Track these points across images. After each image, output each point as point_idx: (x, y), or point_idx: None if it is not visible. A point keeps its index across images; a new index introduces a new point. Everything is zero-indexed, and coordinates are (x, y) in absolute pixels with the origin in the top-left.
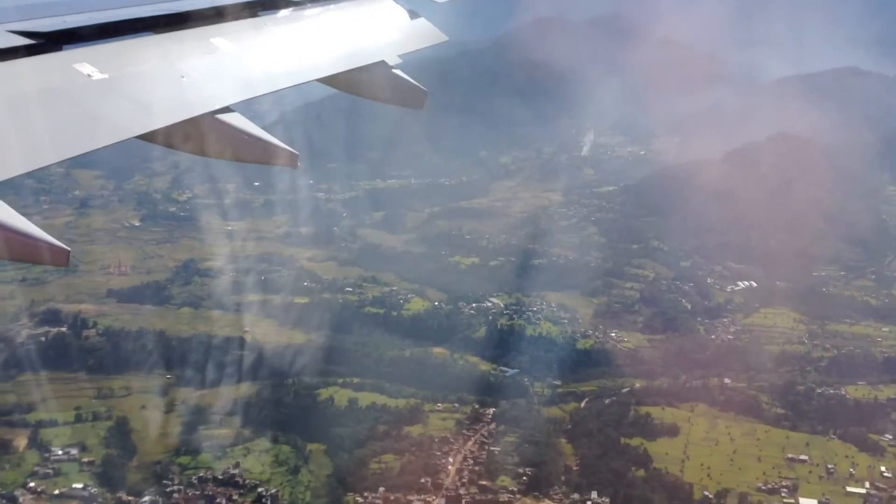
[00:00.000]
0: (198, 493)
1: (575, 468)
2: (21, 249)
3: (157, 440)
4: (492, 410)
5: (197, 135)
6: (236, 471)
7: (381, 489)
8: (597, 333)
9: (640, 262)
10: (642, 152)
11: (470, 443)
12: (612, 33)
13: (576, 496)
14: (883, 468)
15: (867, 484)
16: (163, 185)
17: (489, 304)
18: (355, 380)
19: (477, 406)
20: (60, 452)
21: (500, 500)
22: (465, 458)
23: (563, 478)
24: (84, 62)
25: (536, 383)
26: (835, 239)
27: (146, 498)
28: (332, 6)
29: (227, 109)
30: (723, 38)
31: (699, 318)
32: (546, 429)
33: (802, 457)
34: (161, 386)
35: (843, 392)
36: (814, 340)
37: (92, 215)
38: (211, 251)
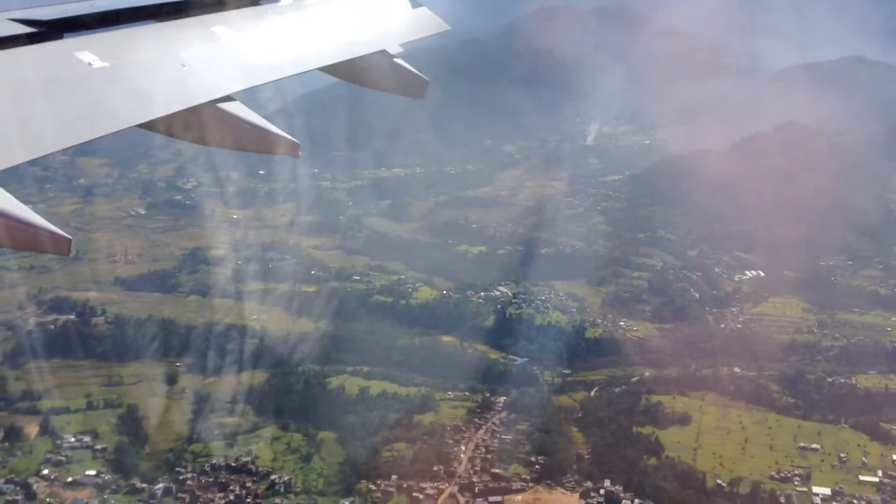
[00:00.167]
0: (211, 480)
1: (587, 457)
2: (22, 238)
3: (168, 428)
4: (502, 399)
5: (198, 124)
6: (248, 458)
7: (394, 477)
8: (605, 322)
9: (648, 252)
10: (647, 142)
11: (481, 431)
12: (617, 22)
13: (588, 484)
14: (895, 457)
15: (880, 472)
16: (167, 174)
17: (497, 293)
18: (365, 368)
19: (487, 395)
20: (73, 440)
21: (513, 487)
22: (476, 447)
23: (574, 466)
24: (85, 50)
25: (546, 372)
26: (842, 228)
27: (160, 485)
28: None
29: (228, 98)
30: (728, 27)
31: (708, 308)
32: (557, 417)
33: (814, 445)
34: (171, 374)
35: (854, 381)
36: (823, 330)
37: (97, 203)
38: (217, 240)
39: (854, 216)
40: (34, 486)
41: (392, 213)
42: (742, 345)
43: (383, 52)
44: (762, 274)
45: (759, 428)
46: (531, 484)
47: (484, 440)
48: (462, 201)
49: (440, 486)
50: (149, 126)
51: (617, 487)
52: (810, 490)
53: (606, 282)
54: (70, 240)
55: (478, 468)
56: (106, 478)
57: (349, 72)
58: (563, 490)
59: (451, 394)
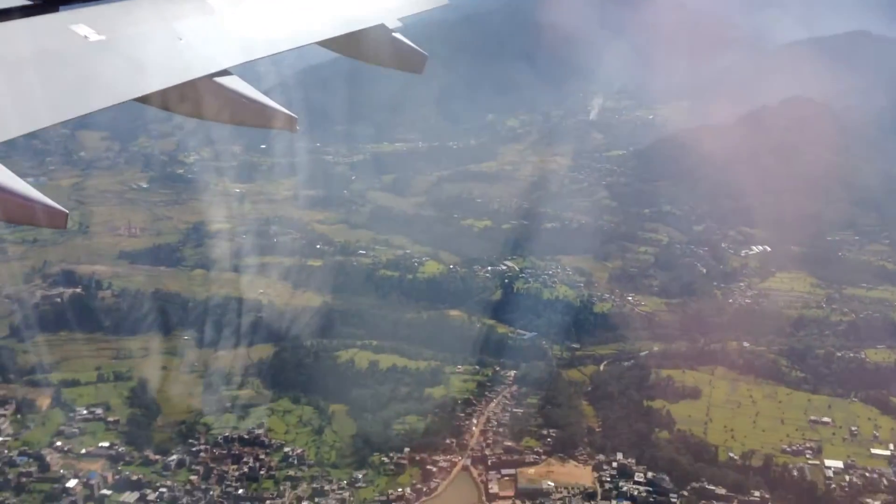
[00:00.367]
0: (224, 452)
1: (598, 430)
2: (18, 211)
3: (179, 401)
4: (512, 373)
5: (194, 97)
6: (261, 431)
7: (407, 450)
8: (613, 297)
9: (653, 227)
10: (650, 117)
11: (492, 404)
12: None
13: (601, 457)
14: None
15: (891, 446)
16: (168, 148)
17: (504, 268)
18: (374, 342)
19: (497, 368)
20: (85, 412)
21: (526, 460)
22: (488, 420)
23: (586, 439)
24: (81, 23)
25: (555, 346)
26: (848, 203)
27: (173, 457)
28: None
29: (224, 72)
30: (733, 1)
31: (715, 282)
32: (567, 391)
33: (825, 419)
34: (179, 347)
35: (863, 356)
36: (831, 305)
37: (98, 177)
38: (221, 213)
39: (860, 191)
40: (48, 458)
41: (395, 187)
42: (750, 319)
43: (381, 27)
44: (768, 249)
45: (770, 402)
46: (544, 457)
47: (495, 413)
48: (465, 176)
49: (453, 459)
50: (145, 100)
51: (630, 460)
52: (822, 463)
53: (612, 257)
54: (66, 213)
55: (490, 441)
56: (119, 449)
57: (347, 46)
58: (575, 463)
59: (460, 368)
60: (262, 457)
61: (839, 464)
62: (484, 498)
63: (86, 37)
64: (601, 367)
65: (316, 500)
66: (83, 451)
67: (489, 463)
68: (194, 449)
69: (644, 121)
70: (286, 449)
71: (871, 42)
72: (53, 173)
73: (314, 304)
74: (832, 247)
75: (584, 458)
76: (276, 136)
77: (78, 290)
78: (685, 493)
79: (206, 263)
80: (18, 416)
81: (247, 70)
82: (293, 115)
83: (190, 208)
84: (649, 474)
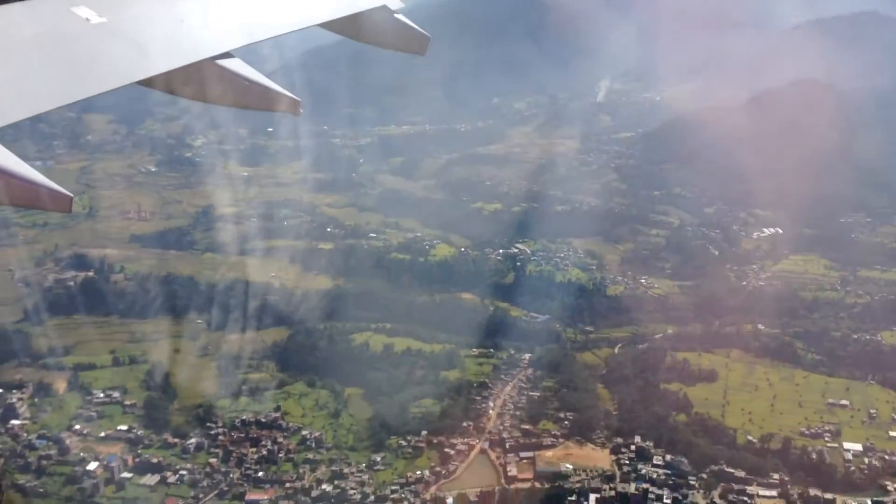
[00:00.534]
0: (242, 435)
1: (615, 413)
2: (22, 195)
3: (195, 384)
4: (527, 356)
5: (197, 80)
6: (277, 414)
7: (424, 433)
8: (626, 280)
9: (664, 209)
10: (658, 98)
11: (508, 387)
12: None
13: (619, 440)
14: None
15: None
16: (175, 131)
17: (516, 251)
18: (387, 325)
19: (512, 352)
20: (102, 395)
21: (544, 443)
22: (504, 403)
23: (603, 422)
24: (82, 5)
25: (568, 329)
26: (859, 185)
27: (192, 440)
28: None
29: (227, 55)
30: None
31: (728, 265)
32: (582, 374)
33: (843, 402)
34: (192, 331)
35: (879, 338)
36: (846, 287)
37: (106, 160)
38: (230, 197)
39: (871, 173)
40: (67, 441)
41: (404, 170)
42: (765, 302)
43: (384, 8)
44: (780, 231)
45: (787, 385)
46: (561, 440)
47: (511, 396)
48: (474, 158)
49: (470, 442)
50: (148, 83)
51: (648, 443)
52: (841, 446)
53: (624, 239)
54: (71, 197)
55: (507, 424)
56: (138, 433)
57: (349, 28)
58: (593, 446)
59: (475, 351)
60: (280, 440)
61: (858, 447)
62: (503, 480)
63: (87, 19)
64: (616, 350)
65: (335, 482)
66: (102, 434)
67: (507, 446)
68: (212, 432)
69: (652, 103)
70: (304, 432)
71: (879, 22)
72: (61, 157)
73: (326, 287)
74: (845, 229)
75: (602, 441)
76: (282, 120)
77: (90, 273)
78: (704, 476)
79: (217, 247)
80: (35, 399)
81: (249, 52)
82: (296, 98)
83: (199, 192)
84: (667, 457)
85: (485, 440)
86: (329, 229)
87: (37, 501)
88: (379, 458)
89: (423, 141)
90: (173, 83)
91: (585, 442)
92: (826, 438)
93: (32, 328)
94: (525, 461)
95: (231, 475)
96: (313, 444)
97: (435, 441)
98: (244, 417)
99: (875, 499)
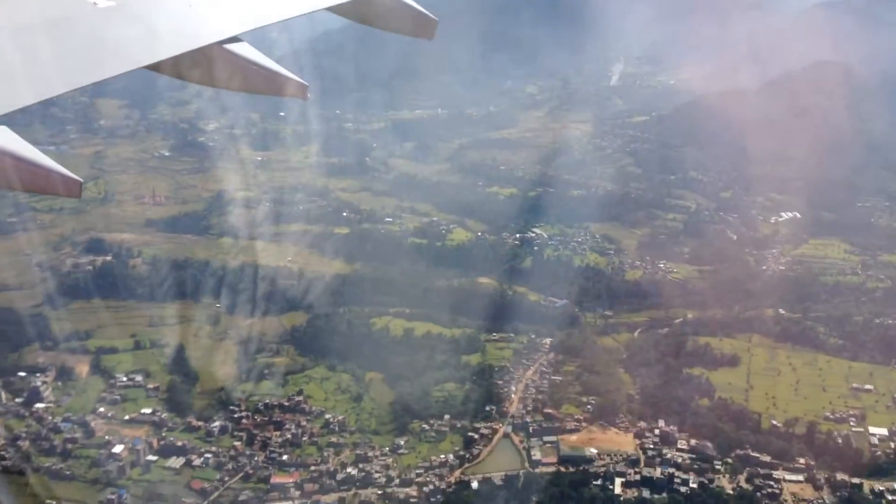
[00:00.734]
0: (266, 419)
1: (637, 397)
2: (33, 180)
3: (217, 368)
4: (547, 340)
5: (205, 65)
6: (300, 398)
7: (447, 416)
8: (644, 264)
9: (680, 193)
10: (672, 82)
11: (530, 372)
12: None
13: (642, 424)
14: None
15: None
16: (188, 115)
17: (533, 235)
18: (407, 310)
19: (532, 336)
20: (125, 379)
21: (567, 427)
22: (526, 387)
23: (625, 407)
24: None
25: (588, 314)
26: (878, 168)
27: (216, 423)
28: None
29: (235, 39)
30: None
31: (747, 249)
32: (603, 358)
33: (867, 386)
34: (212, 315)
35: None
36: (867, 271)
37: (120, 145)
38: (244, 181)
39: (889, 156)
40: (92, 424)
41: (417, 154)
42: (786, 286)
43: None
44: (798, 215)
45: (810, 369)
46: (584, 424)
47: (533, 381)
48: (487, 143)
49: (494, 426)
50: (156, 67)
51: (671, 427)
52: (867, 430)
53: (641, 223)
54: (81, 182)
55: (530, 408)
56: (162, 416)
57: (357, 12)
58: (616, 430)
59: (495, 335)
60: (303, 423)
61: (884, 431)
62: (527, 464)
63: (95, 3)
64: (635, 335)
65: (360, 465)
66: (126, 417)
67: (530, 430)
68: (236, 416)
69: (665, 86)
70: (327, 416)
71: (894, 2)
72: (74, 142)
73: (344, 271)
74: (864, 213)
75: (626, 426)
76: (294, 104)
77: (108, 258)
78: (729, 461)
79: (233, 231)
80: (59, 383)
81: (257, 37)
82: (304, 82)
83: (212, 176)
84: (692, 441)
85: (508, 424)
86: (344, 213)
87: (63, 484)
88: (402, 442)
89: (435, 125)
90: (181, 67)
91: (609, 426)
92: (851, 423)
93: (52, 312)
94: (549, 445)
95: (256, 458)
96: (336, 428)
97: (458, 425)
98: (267, 401)
99: None
